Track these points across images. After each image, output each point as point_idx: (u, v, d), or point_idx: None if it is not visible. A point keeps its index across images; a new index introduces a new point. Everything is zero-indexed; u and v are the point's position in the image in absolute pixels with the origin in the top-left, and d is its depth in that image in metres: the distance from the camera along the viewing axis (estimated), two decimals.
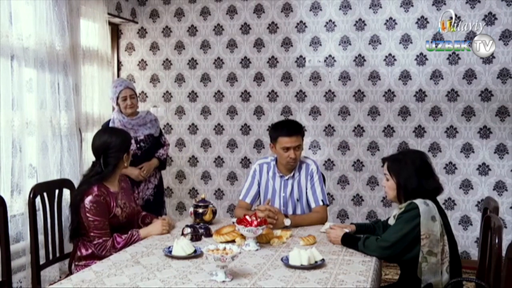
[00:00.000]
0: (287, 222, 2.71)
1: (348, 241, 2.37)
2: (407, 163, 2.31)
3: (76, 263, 2.58)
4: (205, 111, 4.86)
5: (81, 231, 2.55)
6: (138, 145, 3.55)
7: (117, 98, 3.51)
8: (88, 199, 2.47)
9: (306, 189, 2.96)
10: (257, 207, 2.75)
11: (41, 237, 2.64)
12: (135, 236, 2.52)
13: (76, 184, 2.88)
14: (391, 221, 2.38)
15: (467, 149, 4.34)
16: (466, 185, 4.37)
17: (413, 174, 2.28)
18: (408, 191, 2.28)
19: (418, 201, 2.23)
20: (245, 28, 4.72)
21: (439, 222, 2.21)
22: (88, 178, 2.57)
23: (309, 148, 4.63)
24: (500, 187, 4.30)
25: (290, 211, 2.96)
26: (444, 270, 2.20)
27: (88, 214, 2.47)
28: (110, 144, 2.59)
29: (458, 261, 2.30)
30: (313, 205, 2.92)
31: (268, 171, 3.02)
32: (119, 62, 5.02)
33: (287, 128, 2.90)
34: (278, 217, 2.68)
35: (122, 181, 2.76)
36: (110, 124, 3.51)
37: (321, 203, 2.92)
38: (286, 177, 2.96)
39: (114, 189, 2.62)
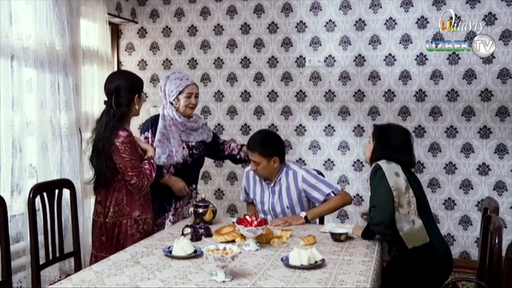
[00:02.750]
0: (303, 214, 2.86)
1: (366, 233, 2.52)
2: (390, 134, 2.56)
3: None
4: (205, 111, 4.86)
5: (109, 180, 2.55)
6: (190, 152, 3.05)
7: (180, 93, 2.95)
8: (119, 141, 2.49)
9: (301, 195, 2.94)
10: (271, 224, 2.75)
11: (41, 237, 2.64)
12: (152, 161, 2.63)
13: (76, 184, 2.89)
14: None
15: (467, 149, 4.34)
16: (466, 185, 4.37)
17: (391, 145, 2.51)
18: (382, 156, 2.50)
19: (380, 162, 2.45)
20: (245, 28, 4.72)
21: (403, 177, 2.41)
22: (107, 123, 2.53)
23: (309, 148, 4.63)
24: (500, 187, 4.30)
25: (279, 215, 2.98)
26: (415, 219, 2.38)
27: (124, 155, 2.49)
28: (120, 85, 2.58)
29: (431, 216, 2.55)
30: (324, 198, 2.91)
31: (254, 176, 3.07)
32: (119, 62, 5.02)
33: (249, 140, 3.01)
34: (291, 221, 2.81)
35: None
36: (160, 121, 2.97)
37: (332, 195, 2.89)
38: (272, 184, 2.99)
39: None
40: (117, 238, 2.58)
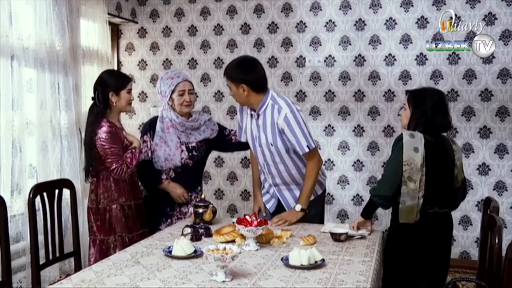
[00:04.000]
0: (298, 207, 2.79)
1: (366, 211, 2.60)
2: (426, 98, 2.54)
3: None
4: (205, 111, 4.86)
5: (96, 169, 2.81)
6: (190, 154, 2.98)
7: (172, 92, 2.91)
8: (101, 131, 2.75)
9: (281, 134, 2.76)
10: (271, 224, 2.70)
11: (41, 237, 2.64)
12: (134, 150, 2.82)
13: (76, 184, 2.91)
14: None
15: (467, 149, 4.34)
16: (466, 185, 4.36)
17: (429, 108, 2.50)
18: (418, 122, 2.51)
19: (405, 132, 2.47)
20: (245, 28, 4.72)
21: (421, 154, 2.41)
22: (90, 117, 2.84)
23: None
24: (500, 187, 4.30)
25: (266, 153, 2.85)
26: (420, 196, 2.42)
27: (104, 143, 2.73)
28: (101, 81, 2.86)
29: (435, 192, 2.50)
30: (300, 152, 2.75)
31: (247, 110, 2.91)
32: (119, 62, 5.03)
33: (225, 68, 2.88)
34: (287, 218, 2.76)
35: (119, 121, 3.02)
36: (158, 124, 2.97)
37: (306, 149, 2.72)
38: (256, 116, 2.83)
39: (119, 125, 2.91)
40: (109, 222, 2.81)
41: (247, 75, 2.76)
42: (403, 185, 2.41)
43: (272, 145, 2.80)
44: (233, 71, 2.78)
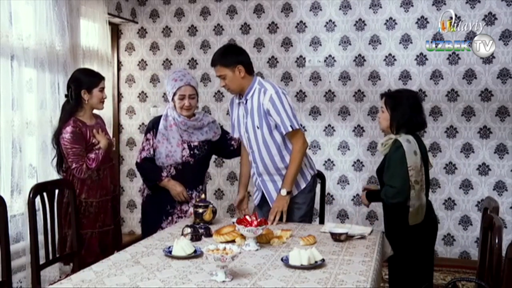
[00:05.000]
0: (283, 192, 2.80)
1: (372, 196, 2.80)
2: (402, 99, 2.66)
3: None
4: (205, 111, 4.86)
5: (61, 165, 2.96)
6: (191, 152, 3.02)
7: (174, 95, 2.97)
8: (65, 131, 2.86)
9: (267, 116, 2.78)
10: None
11: (41, 237, 2.64)
12: (100, 152, 2.92)
13: (76, 184, 2.91)
14: (379, 148, 2.76)
15: (467, 149, 4.34)
16: (466, 185, 4.37)
17: (406, 109, 2.62)
18: (399, 122, 2.63)
19: (402, 139, 2.57)
20: (245, 28, 4.72)
21: (419, 155, 2.57)
22: (62, 115, 2.96)
23: (309, 148, 4.62)
24: (500, 187, 4.30)
25: (252, 139, 2.87)
26: (423, 195, 2.60)
27: (66, 143, 2.85)
28: (74, 79, 2.98)
29: (428, 185, 2.75)
30: (283, 131, 2.79)
31: (237, 101, 2.95)
32: (119, 62, 5.03)
33: (211, 61, 2.84)
34: (279, 208, 2.79)
35: (98, 118, 3.12)
36: (162, 121, 3.02)
37: (289, 128, 2.75)
38: (244, 102, 2.86)
39: (89, 122, 2.99)
40: (70, 216, 2.85)
41: (241, 56, 2.83)
42: (411, 189, 2.53)
43: (258, 128, 2.83)
44: (227, 55, 2.80)
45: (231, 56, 2.79)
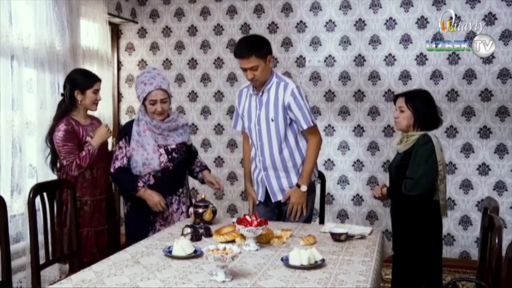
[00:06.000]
0: (304, 188, 2.87)
1: (393, 192, 2.81)
2: (422, 98, 2.76)
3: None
4: (205, 111, 4.86)
5: (59, 163, 3.00)
6: (169, 156, 2.84)
7: (144, 99, 2.81)
8: (58, 128, 2.91)
9: (286, 109, 2.82)
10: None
11: (41, 237, 2.64)
12: (90, 148, 2.93)
13: (76, 184, 2.91)
14: (397, 144, 2.82)
15: (467, 149, 4.34)
16: (466, 185, 4.37)
17: (428, 106, 2.74)
18: (426, 120, 2.72)
19: (430, 134, 2.69)
20: (245, 28, 4.72)
21: (443, 153, 2.72)
22: (56, 113, 3.03)
23: None
24: (500, 187, 4.30)
25: (264, 131, 2.88)
26: (445, 189, 2.76)
27: (58, 141, 2.90)
28: (70, 79, 3.03)
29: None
30: (304, 126, 2.84)
31: (246, 93, 2.98)
32: (119, 62, 5.03)
33: (237, 50, 2.80)
34: (299, 202, 2.87)
35: (94, 119, 3.18)
36: (134, 127, 2.84)
37: (311, 123, 2.84)
38: (260, 94, 2.88)
39: (84, 122, 3.04)
40: (65, 215, 2.88)
41: (270, 46, 2.87)
42: (441, 183, 2.67)
43: (272, 120, 2.84)
44: (262, 45, 2.81)
45: (265, 47, 2.80)
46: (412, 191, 2.65)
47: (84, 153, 2.92)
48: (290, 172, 2.92)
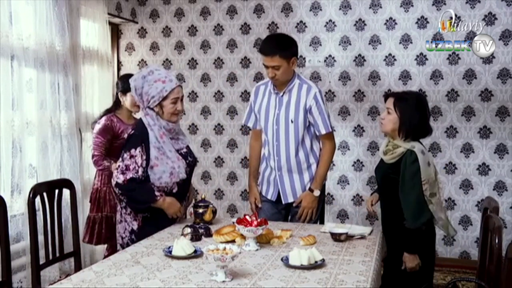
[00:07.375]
0: (317, 193, 2.89)
1: (410, 243, 2.46)
2: (413, 103, 2.49)
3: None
4: (205, 111, 4.86)
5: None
6: (187, 161, 2.59)
7: (164, 99, 2.48)
8: (99, 121, 3.32)
9: (307, 112, 2.83)
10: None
11: (41, 237, 2.64)
12: (111, 167, 3.18)
13: (76, 184, 2.93)
14: (383, 155, 2.57)
15: (467, 149, 4.34)
16: (466, 185, 4.37)
17: (416, 113, 2.48)
18: (410, 127, 2.47)
19: (417, 150, 2.42)
20: (245, 28, 4.72)
21: (432, 165, 2.46)
22: (103, 111, 3.46)
23: None
24: (500, 187, 4.30)
25: (282, 131, 2.88)
26: (443, 203, 2.54)
27: (94, 131, 3.30)
28: (117, 82, 3.47)
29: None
30: (322, 131, 2.85)
31: (264, 90, 2.96)
32: (119, 62, 5.02)
33: (263, 46, 2.80)
34: (310, 206, 2.89)
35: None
36: (150, 134, 2.49)
37: (330, 129, 2.87)
38: (281, 94, 2.88)
39: (127, 121, 3.36)
40: (98, 201, 3.37)
41: (296, 47, 2.85)
42: (429, 204, 2.42)
43: (292, 121, 2.85)
44: (288, 46, 2.79)
45: (291, 48, 2.79)
46: (416, 223, 2.41)
47: (105, 163, 3.22)
48: (303, 173, 2.94)
